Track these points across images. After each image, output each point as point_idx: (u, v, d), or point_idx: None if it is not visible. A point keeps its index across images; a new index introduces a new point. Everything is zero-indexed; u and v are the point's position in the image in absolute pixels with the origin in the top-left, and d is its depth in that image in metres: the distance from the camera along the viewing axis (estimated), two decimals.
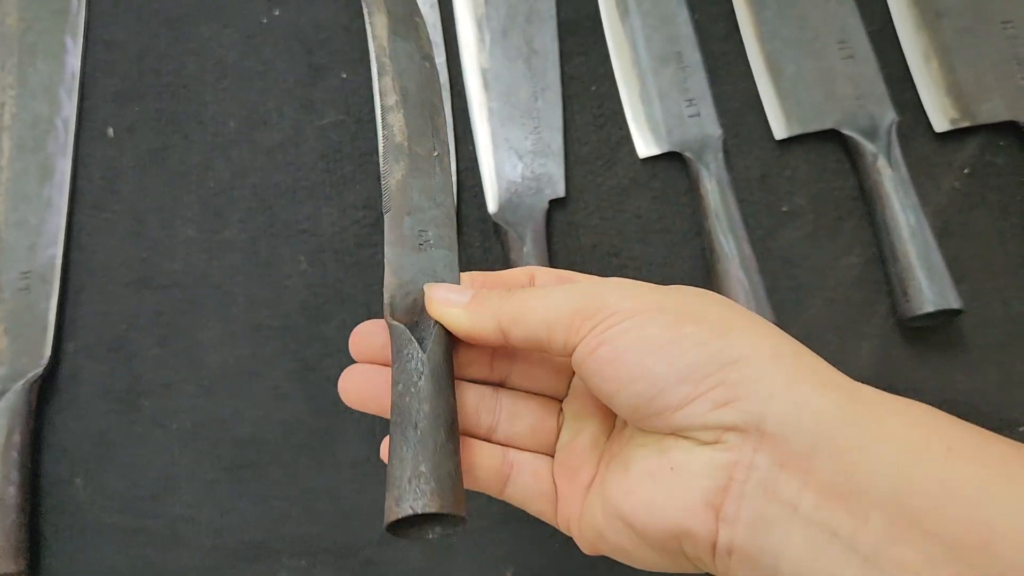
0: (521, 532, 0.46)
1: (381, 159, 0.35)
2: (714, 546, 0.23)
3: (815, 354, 0.25)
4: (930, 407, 0.24)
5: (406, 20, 0.37)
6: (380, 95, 0.36)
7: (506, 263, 0.51)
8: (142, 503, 0.48)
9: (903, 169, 0.50)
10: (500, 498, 0.31)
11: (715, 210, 0.50)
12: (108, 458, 0.49)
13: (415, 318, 0.30)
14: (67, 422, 0.49)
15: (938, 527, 0.19)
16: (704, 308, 0.25)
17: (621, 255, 0.51)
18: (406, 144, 0.34)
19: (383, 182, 0.34)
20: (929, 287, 0.47)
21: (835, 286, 0.50)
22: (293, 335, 0.50)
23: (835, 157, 0.53)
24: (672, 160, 0.53)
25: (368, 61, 0.56)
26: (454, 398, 0.29)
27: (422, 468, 0.27)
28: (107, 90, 0.57)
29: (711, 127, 0.53)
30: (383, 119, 0.35)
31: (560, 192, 0.52)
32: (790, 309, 0.49)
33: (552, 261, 0.51)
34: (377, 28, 0.37)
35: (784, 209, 0.52)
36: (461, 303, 0.28)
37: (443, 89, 0.54)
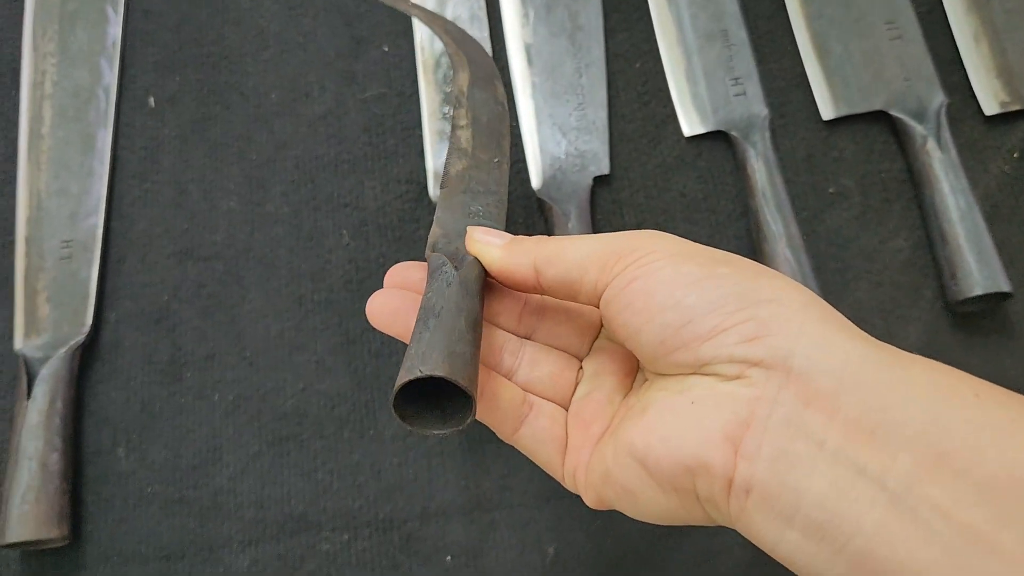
0: (562, 510, 0.46)
1: (446, 161, 0.36)
2: (730, 483, 0.22)
3: (847, 321, 0.24)
4: (959, 371, 0.23)
5: (486, 79, 0.40)
6: (453, 123, 0.38)
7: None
8: (184, 474, 0.48)
9: (953, 152, 0.49)
10: (509, 441, 0.30)
11: (762, 189, 0.49)
12: (150, 428, 0.49)
13: (453, 251, 0.31)
14: (109, 391, 0.49)
15: (968, 465, 0.19)
16: (737, 259, 0.26)
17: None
18: (470, 150, 0.36)
19: (444, 172, 0.35)
20: (978, 270, 0.46)
21: (882, 269, 0.49)
22: (336, 308, 0.50)
23: (882, 139, 0.52)
24: (717, 139, 0.53)
25: (410, 35, 0.56)
26: (481, 306, 0.29)
27: (436, 345, 0.26)
28: (148, 60, 0.56)
29: (757, 106, 0.52)
30: (452, 135, 0.37)
31: (604, 169, 0.52)
32: (836, 291, 0.49)
33: None
34: (460, 81, 0.40)
35: (831, 191, 0.51)
36: (499, 244, 0.29)
37: None
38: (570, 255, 0.27)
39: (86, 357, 0.50)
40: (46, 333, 0.50)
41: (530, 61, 0.54)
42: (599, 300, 0.27)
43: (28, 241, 0.52)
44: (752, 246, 0.49)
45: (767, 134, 0.51)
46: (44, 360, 0.48)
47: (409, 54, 0.55)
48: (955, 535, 0.19)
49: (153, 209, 0.53)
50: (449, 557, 0.46)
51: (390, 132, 0.54)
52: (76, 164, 0.54)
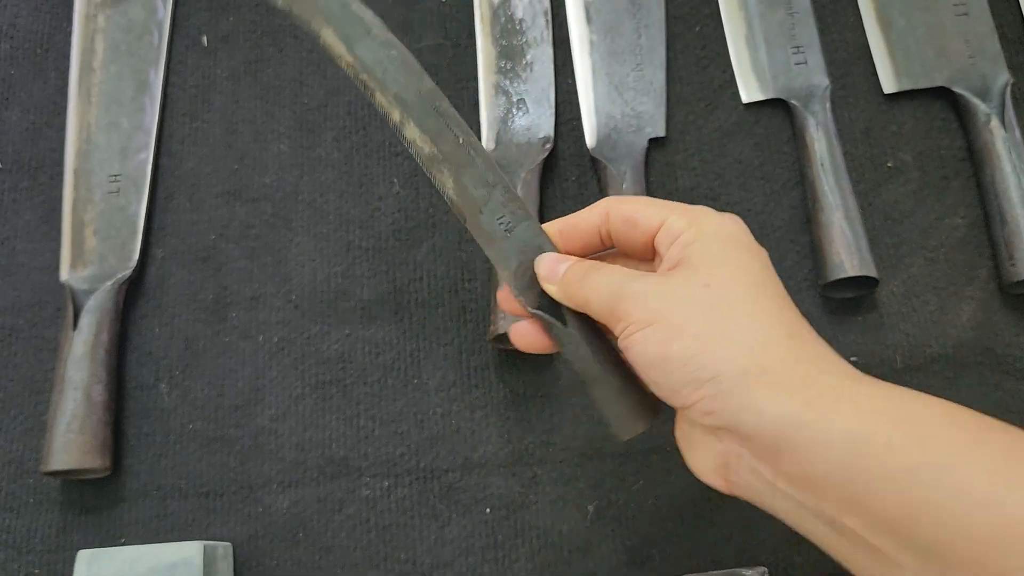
0: (605, 469, 0.46)
1: (427, 172, 0.36)
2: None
3: (796, 345, 0.29)
4: (889, 389, 0.28)
5: (353, 22, 0.36)
6: (384, 116, 0.37)
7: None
8: (226, 412, 0.48)
9: (1017, 131, 0.49)
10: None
11: (821, 159, 0.49)
12: (194, 366, 0.48)
13: (539, 292, 0.34)
14: (153, 327, 0.49)
15: (875, 506, 0.25)
16: (707, 306, 0.29)
17: (720, 199, 0.50)
18: (434, 150, 0.36)
19: (444, 196, 0.36)
20: None
21: (937, 246, 0.49)
22: (384, 256, 0.50)
23: (943, 115, 0.52)
24: (776, 107, 0.52)
25: None
26: (609, 341, 0.34)
27: (619, 409, 0.34)
28: None
29: (818, 76, 0.52)
30: (401, 138, 0.36)
31: (660, 131, 0.51)
32: (890, 266, 0.48)
33: None
34: (332, 47, 0.37)
35: (889, 164, 0.51)
36: (556, 280, 0.34)
37: (543, 17, 0.53)
38: (593, 307, 0.32)
39: (131, 292, 0.50)
40: (92, 266, 0.50)
41: (589, 19, 0.54)
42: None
43: (77, 173, 0.52)
44: (807, 215, 0.49)
45: (827, 104, 0.51)
46: (90, 292, 0.48)
47: (466, 5, 0.55)
48: (872, 554, 0.26)
49: (203, 148, 0.53)
50: (488, 509, 0.46)
51: (444, 83, 0.53)
52: (127, 99, 0.53)
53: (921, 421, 0.26)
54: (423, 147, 0.36)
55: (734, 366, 0.28)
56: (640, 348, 0.30)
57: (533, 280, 0.34)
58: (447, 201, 0.36)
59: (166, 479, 0.47)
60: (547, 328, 0.34)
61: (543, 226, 0.36)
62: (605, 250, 0.36)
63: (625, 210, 0.34)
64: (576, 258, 0.34)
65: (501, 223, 0.35)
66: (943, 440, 0.25)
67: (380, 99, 0.36)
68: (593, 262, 0.34)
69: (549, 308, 0.34)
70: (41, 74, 0.55)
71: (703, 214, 0.32)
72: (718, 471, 0.30)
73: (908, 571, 0.25)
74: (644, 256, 0.34)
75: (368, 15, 0.37)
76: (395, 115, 0.36)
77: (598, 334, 0.34)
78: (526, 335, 0.35)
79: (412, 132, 0.36)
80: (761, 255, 0.32)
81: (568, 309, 0.34)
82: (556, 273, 0.34)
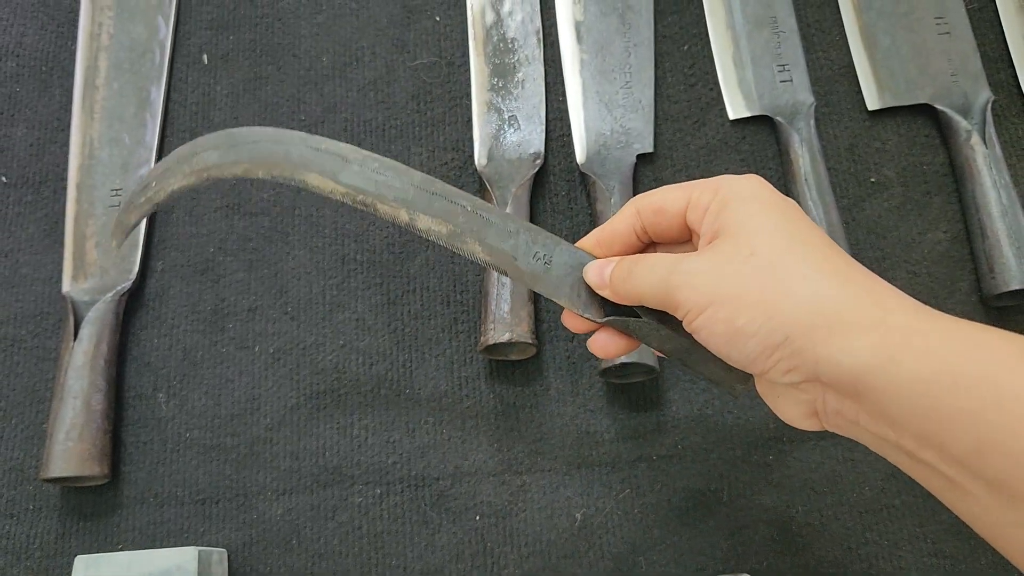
0: (592, 478, 0.47)
1: (452, 248, 0.36)
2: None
3: (857, 284, 0.29)
4: (955, 324, 0.28)
5: (324, 159, 0.37)
6: (390, 218, 0.36)
7: (591, 213, 0.51)
8: (223, 422, 0.49)
9: (997, 147, 0.50)
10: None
11: (805, 175, 0.50)
12: (191, 376, 0.50)
13: (600, 301, 0.35)
14: (152, 338, 0.51)
15: (947, 442, 0.26)
16: (757, 269, 0.30)
17: None
18: (453, 229, 0.36)
19: (476, 260, 0.36)
20: (1017, 264, 0.47)
21: (920, 260, 0.50)
22: (378, 269, 0.51)
23: (926, 132, 0.53)
24: (762, 124, 0.53)
25: (462, 5, 0.56)
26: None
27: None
28: (203, 17, 0.57)
29: (803, 94, 0.53)
30: (416, 230, 0.36)
31: (648, 147, 0.52)
32: None
33: None
34: (319, 186, 0.36)
35: (872, 180, 0.52)
36: (606, 284, 0.35)
37: (535, 36, 0.54)
38: (647, 299, 0.33)
39: (131, 304, 0.51)
40: (93, 278, 0.51)
41: (580, 38, 0.55)
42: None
43: (79, 187, 0.53)
44: None
45: (812, 121, 0.52)
46: (91, 304, 0.49)
47: (460, 24, 0.56)
48: (949, 486, 0.27)
49: None
50: (478, 516, 0.46)
51: (438, 100, 0.55)
52: (129, 115, 0.55)
53: (987, 358, 0.26)
54: (440, 230, 0.36)
55: (801, 324, 0.28)
56: (708, 330, 0.31)
57: (591, 294, 0.35)
58: (483, 264, 0.36)
59: (163, 487, 0.48)
60: (624, 329, 0.35)
61: (579, 243, 0.37)
62: (647, 247, 0.37)
63: (652, 201, 0.35)
64: (618, 257, 0.35)
65: (537, 260, 0.36)
66: (1007, 375, 0.25)
67: (383, 209, 0.36)
68: (635, 256, 0.34)
69: (616, 311, 0.35)
70: (46, 91, 0.56)
71: (724, 181, 0.33)
72: (807, 417, 0.31)
73: (980, 500, 0.26)
74: (682, 239, 0.35)
75: (338, 146, 0.37)
76: (403, 215, 0.36)
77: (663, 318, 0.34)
78: (607, 345, 0.36)
79: (425, 222, 0.36)
80: (790, 208, 0.32)
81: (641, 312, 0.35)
82: (604, 278, 0.35)
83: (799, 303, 0.29)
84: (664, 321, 0.34)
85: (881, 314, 0.28)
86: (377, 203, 0.36)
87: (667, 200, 0.34)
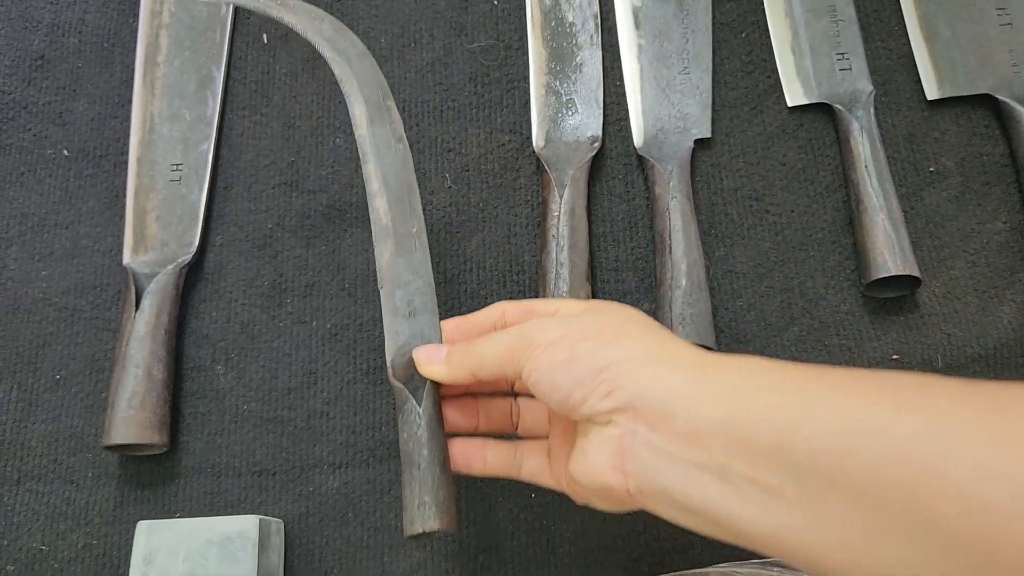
0: None
1: (374, 239, 0.41)
2: (628, 492, 0.31)
3: (683, 347, 0.32)
4: (761, 360, 0.31)
5: (380, 106, 0.43)
6: (365, 181, 0.42)
7: (649, 197, 0.51)
8: (280, 395, 0.49)
9: None
10: (519, 479, 0.39)
11: (865, 162, 0.50)
12: (249, 349, 0.50)
13: (410, 373, 0.39)
14: (211, 311, 0.51)
15: (753, 445, 0.28)
16: (602, 325, 0.34)
17: (763, 200, 0.52)
18: (391, 226, 0.41)
19: (376, 261, 0.41)
20: None
21: (979, 250, 0.50)
22: (435, 249, 0.51)
23: (985, 122, 0.52)
24: (820, 112, 0.53)
25: None
26: (445, 440, 0.38)
27: (425, 498, 0.36)
28: None
29: (862, 82, 0.53)
30: (370, 203, 0.42)
31: (706, 132, 0.53)
32: (931, 268, 0.49)
33: (694, 200, 0.51)
34: (357, 117, 0.43)
35: (931, 169, 0.52)
36: (440, 360, 0.37)
37: (593, 21, 0.54)
38: (490, 361, 0.35)
39: (190, 277, 0.52)
40: (154, 251, 0.51)
41: (637, 24, 0.55)
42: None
43: (140, 162, 0.54)
44: (850, 217, 0.50)
45: (871, 110, 0.52)
46: (151, 276, 0.50)
47: (518, 8, 0.56)
48: (757, 492, 0.27)
49: (261, 141, 0.54)
50: (534, 494, 0.47)
51: (496, 83, 0.55)
52: (190, 92, 0.55)
53: (789, 371, 0.30)
54: (383, 219, 0.41)
55: (632, 353, 0.32)
56: (546, 361, 0.33)
57: (410, 363, 0.39)
58: (377, 269, 0.41)
59: (221, 457, 0.48)
60: (400, 404, 0.38)
61: (442, 322, 0.40)
62: None
63: (523, 303, 0.39)
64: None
65: (410, 307, 0.40)
66: (804, 381, 0.29)
67: (368, 168, 0.42)
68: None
69: (410, 390, 0.38)
70: (107, 67, 0.57)
71: (597, 303, 0.37)
72: (614, 461, 0.32)
73: (790, 498, 0.27)
74: None
75: (395, 115, 0.43)
76: (374, 185, 0.42)
77: (439, 430, 0.38)
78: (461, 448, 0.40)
79: (380, 204, 0.41)
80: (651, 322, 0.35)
81: (426, 396, 0.38)
82: (439, 354, 0.38)
83: (635, 342, 0.32)
84: (430, 429, 0.37)
85: (703, 356, 0.32)
86: (371, 163, 0.42)
87: (539, 305, 0.39)
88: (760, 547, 0.28)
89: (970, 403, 0.25)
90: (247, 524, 0.43)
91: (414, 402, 0.38)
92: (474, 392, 0.41)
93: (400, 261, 0.41)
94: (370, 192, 0.42)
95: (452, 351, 0.37)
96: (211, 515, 0.47)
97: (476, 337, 0.38)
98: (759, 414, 0.28)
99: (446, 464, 0.37)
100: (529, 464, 0.39)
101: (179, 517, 0.47)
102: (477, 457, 0.39)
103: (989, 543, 0.23)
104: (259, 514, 0.47)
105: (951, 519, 0.23)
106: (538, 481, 0.39)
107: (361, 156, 0.42)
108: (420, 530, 0.36)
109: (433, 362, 0.38)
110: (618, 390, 0.31)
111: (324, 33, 0.45)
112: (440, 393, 0.39)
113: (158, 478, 0.48)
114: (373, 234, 0.41)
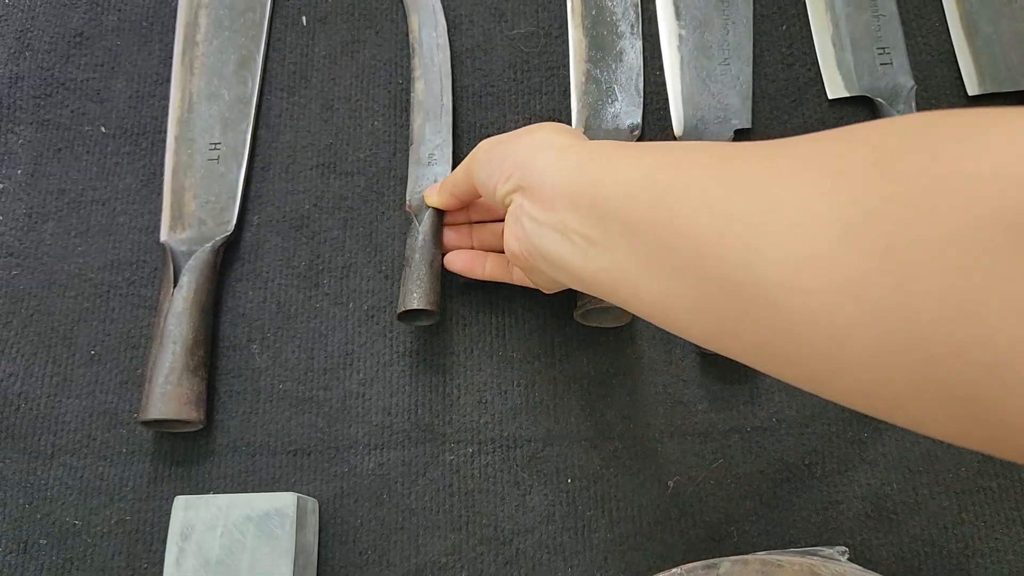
0: (686, 447, 0.47)
1: (411, 112, 0.54)
2: (527, 256, 0.38)
3: (573, 137, 0.39)
4: (613, 142, 0.38)
5: (430, 15, 0.55)
6: (411, 69, 0.55)
7: None
8: (315, 375, 0.49)
9: None
10: (483, 277, 0.48)
11: None
12: (285, 329, 0.50)
13: (420, 207, 0.49)
14: (247, 290, 0.51)
15: (578, 203, 0.33)
16: (523, 131, 0.41)
17: None
18: (424, 100, 0.53)
19: (410, 127, 0.53)
20: None
21: None
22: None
23: None
24: (860, 105, 0.53)
25: None
26: (438, 252, 0.48)
27: (412, 286, 0.46)
28: None
29: (903, 77, 0.53)
30: (412, 85, 0.54)
31: (746, 123, 0.52)
32: None
33: None
34: (412, 24, 0.55)
35: None
36: (435, 190, 0.48)
37: (633, 10, 0.54)
38: (457, 179, 0.45)
39: (227, 256, 0.51)
40: (192, 228, 0.51)
41: (678, 15, 0.55)
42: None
43: (178, 140, 0.54)
44: None
45: (912, 104, 0.52)
46: (188, 254, 0.50)
47: None
48: (582, 242, 0.33)
49: (300, 122, 0.54)
50: (570, 480, 0.46)
51: (535, 70, 0.55)
52: (229, 72, 0.55)
53: (621, 146, 0.35)
54: (419, 96, 0.53)
55: (530, 144, 0.39)
56: (478, 162, 0.42)
57: (421, 201, 0.50)
58: (409, 133, 0.53)
59: (256, 436, 0.48)
60: (408, 225, 0.50)
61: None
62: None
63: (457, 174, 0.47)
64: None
65: (431, 158, 0.51)
66: (621, 150, 0.34)
67: (415, 61, 0.54)
68: None
69: (417, 218, 0.49)
70: (146, 45, 0.57)
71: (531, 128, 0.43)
72: (516, 232, 0.38)
73: (599, 243, 0.32)
74: None
75: (442, 25, 0.56)
76: (417, 72, 0.54)
77: (432, 244, 0.48)
78: (459, 258, 0.49)
79: (420, 86, 0.53)
80: (564, 127, 0.41)
81: (425, 219, 0.48)
82: (435, 187, 0.48)
83: (534, 139, 0.39)
84: (426, 239, 0.48)
85: (583, 145, 0.37)
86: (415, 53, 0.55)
87: (457, 176, 0.46)
88: (591, 289, 0.34)
89: (711, 156, 0.29)
90: (286, 501, 0.43)
91: (416, 223, 0.48)
92: (474, 221, 0.50)
93: (427, 125, 0.52)
94: (414, 77, 0.54)
95: (440, 183, 0.48)
96: (247, 492, 0.47)
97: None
98: (584, 178, 0.34)
99: (434, 267, 0.47)
100: (490, 263, 0.48)
101: (215, 493, 0.47)
102: (479, 264, 0.48)
103: (704, 265, 0.27)
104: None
105: (682, 248, 0.28)
106: (499, 277, 0.48)
107: (411, 52, 0.54)
108: (403, 308, 0.46)
109: (430, 194, 0.48)
110: (514, 175, 0.38)
111: None
112: (444, 221, 0.49)
113: (193, 455, 0.48)
114: (411, 108, 0.53)
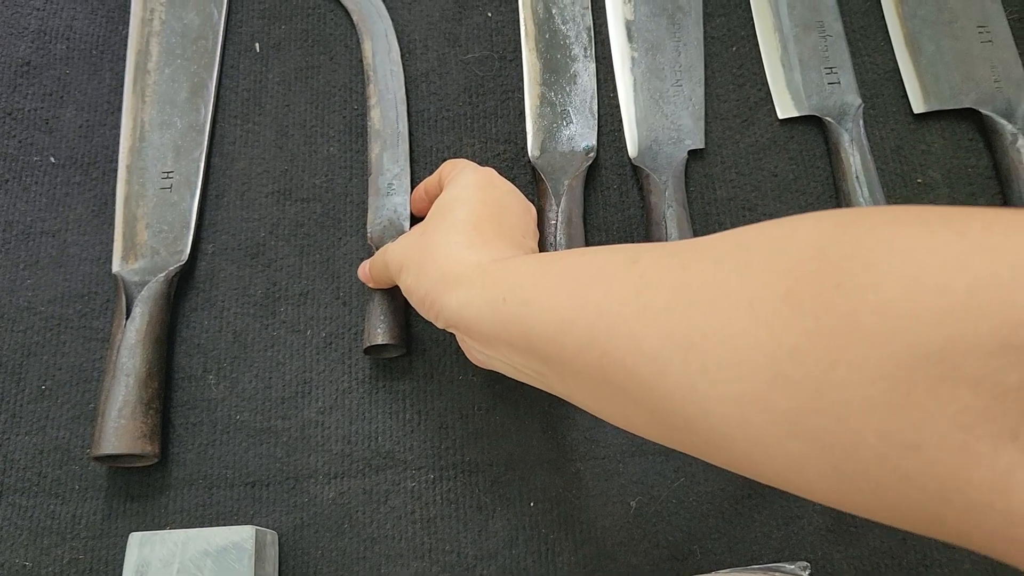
0: (647, 466, 0.47)
1: (368, 140, 0.53)
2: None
3: (469, 252, 0.38)
4: (514, 263, 0.36)
5: (384, 41, 0.55)
6: (367, 97, 0.54)
7: (644, 207, 0.51)
8: (273, 404, 0.48)
9: None
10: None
11: (856, 174, 0.51)
12: (242, 358, 0.49)
13: (383, 238, 0.50)
14: (203, 320, 0.50)
15: (516, 346, 0.33)
16: (428, 239, 0.40)
17: (756, 210, 0.52)
18: (381, 129, 0.53)
19: (367, 156, 0.53)
20: None
21: None
22: None
23: (970, 136, 0.54)
24: (810, 124, 0.54)
25: (514, 2, 0.57)
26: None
27: (375, 321, 0.47)
28: (256, 6, 0.58)
29: (851, 96, 0.54)
30: (368, 113, 0.54)
31: (699, 144, 0.53)
32: None
33: (689, 210, 0.52)
34: (366, 50, 0.55)
35: (919, 181, 0.53)
36: (367, 276, 0.48)
37: (586, 33, 0.55)
38: (382, 280, 0.46)
39: (182, 286, 0.51)
40: (144, 258, 0.50)
41: (630, 37, 0.56)
42: None
43: (130, 169, 0.53)
44: None
45: (860, 122, 0.53)
46: (141, 284, 0.49)
47: (512, 20, 0.57)
48: (537, 375, 0.34)
49: (254, 149, 0.54)
50: (533, 503, 0.46)
51: (490, 94, 0.55)
52: (181, 100, 0.55)
53: (529, 274, 0.34)
54: (376, 124, 0.53)
55: (437, 282, 0.38)
56: (402, 288, 0.42)
57: (383, 230, 0.50)
58: (367, 162, 0.52)
59: (212, 468, 0.47)
60: (371, 255, 0.48)
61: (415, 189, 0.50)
62: None
63: (430, 179, 0.48)
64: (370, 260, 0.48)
65: (390, 188, 0.51)
66: (534, 280, 0.33)
67: (370, 88, 0.54)
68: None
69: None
70: (96, 74, 0.56)
71: (460, 168, 0.44)
72: (467, 351, 0.39)
73: (554, 378, 0.33)
74: None
75: (395, 52, 0.56)
76: (373, 100, 0.54)
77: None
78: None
79: (376, 114, 0.53)
80: (492, 190, 0.41)
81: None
82: (364, 272, 0.48)
83: (439, 267, 0.38)
84: None
85: (483, 266, 0.36)
86: (372, 83, 0.55)
87: (432, 179, 0.47)
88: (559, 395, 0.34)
89: (619, 282, 0.29)
90: (243, 534, 0.42)
91: (377, 253, 0.47)
92: None
93: (385, 154, 0.52)
94: (369, 105, 0.54)
95: (369, 267, 0.47)
96: (204, 527, 0.46)
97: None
98: (506, 319, 0.33)
99: (398, 299, 0.48)
100: None
101: (171, 529, 0.46)
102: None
103: (652, 399, 0.27)
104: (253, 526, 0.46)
105: (625, 385, 0.28)
106: None
107: (365, 80, 0.54)
108: (369, 343, 0.46)
109: (364, 278, 0.48)
110: (440, 316, 0.38)
111: None
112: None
113: (148, 490, 0.47)
114: (368, 137, 0.53)
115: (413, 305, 0.41)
